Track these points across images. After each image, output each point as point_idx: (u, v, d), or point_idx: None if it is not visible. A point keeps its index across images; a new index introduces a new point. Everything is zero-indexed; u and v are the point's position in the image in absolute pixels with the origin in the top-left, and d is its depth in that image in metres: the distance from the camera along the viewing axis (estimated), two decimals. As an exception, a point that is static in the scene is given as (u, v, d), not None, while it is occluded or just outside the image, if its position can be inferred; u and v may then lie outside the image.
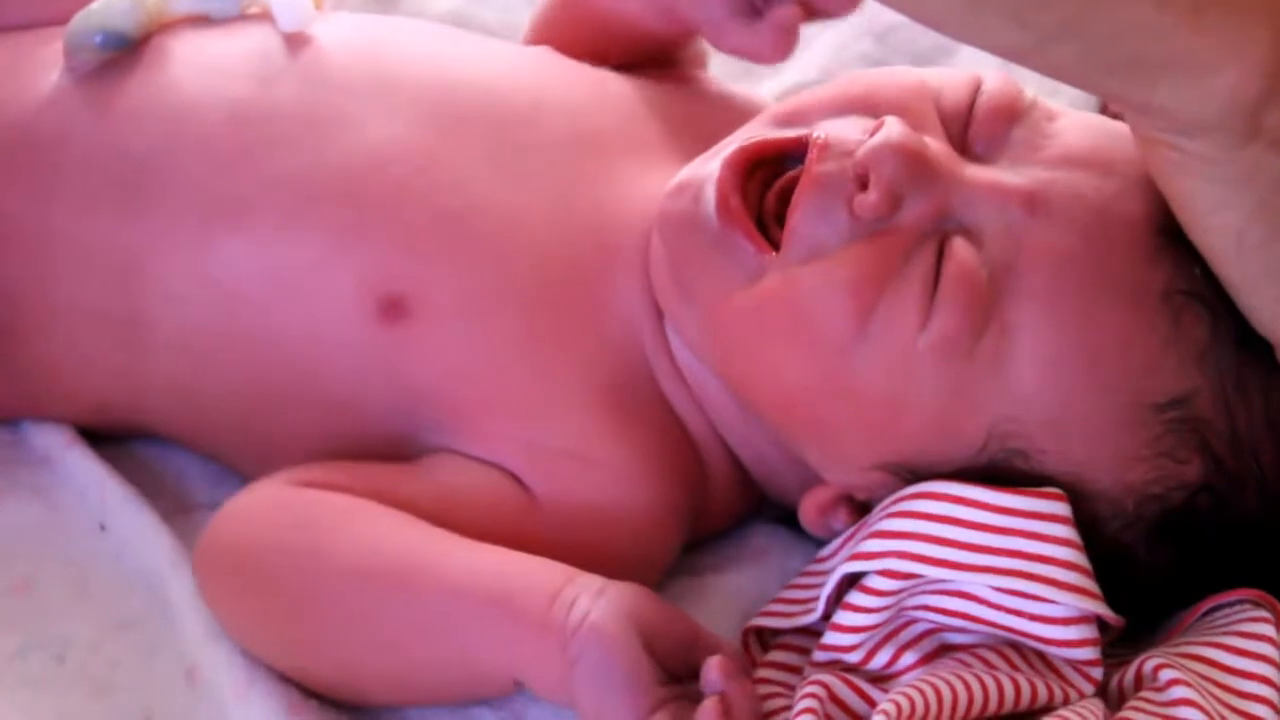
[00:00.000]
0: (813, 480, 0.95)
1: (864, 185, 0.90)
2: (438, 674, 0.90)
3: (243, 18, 1.03)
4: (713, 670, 0.85)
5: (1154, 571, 0.91)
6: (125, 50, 1.01)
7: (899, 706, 0.83)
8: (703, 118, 1.05)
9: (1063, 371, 0.89)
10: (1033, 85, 0.95)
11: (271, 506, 0.93)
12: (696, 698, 0.85)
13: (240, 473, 1.00)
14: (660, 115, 1.05)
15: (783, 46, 1.00)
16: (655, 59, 1.10)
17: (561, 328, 0.96)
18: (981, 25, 0.81)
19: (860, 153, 0.90)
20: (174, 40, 1.02)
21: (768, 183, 0.94)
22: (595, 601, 0.87)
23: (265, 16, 1.03)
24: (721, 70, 1.14)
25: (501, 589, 0.88)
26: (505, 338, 0.95)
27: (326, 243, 0.96)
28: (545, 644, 0.86)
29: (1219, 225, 0.86)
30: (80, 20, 1.00)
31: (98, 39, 1.00)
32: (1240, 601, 0.91)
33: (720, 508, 0.99)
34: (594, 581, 0.88)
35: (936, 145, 0.91)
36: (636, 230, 0.98)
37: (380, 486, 0.93)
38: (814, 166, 0.91)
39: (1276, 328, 0.88)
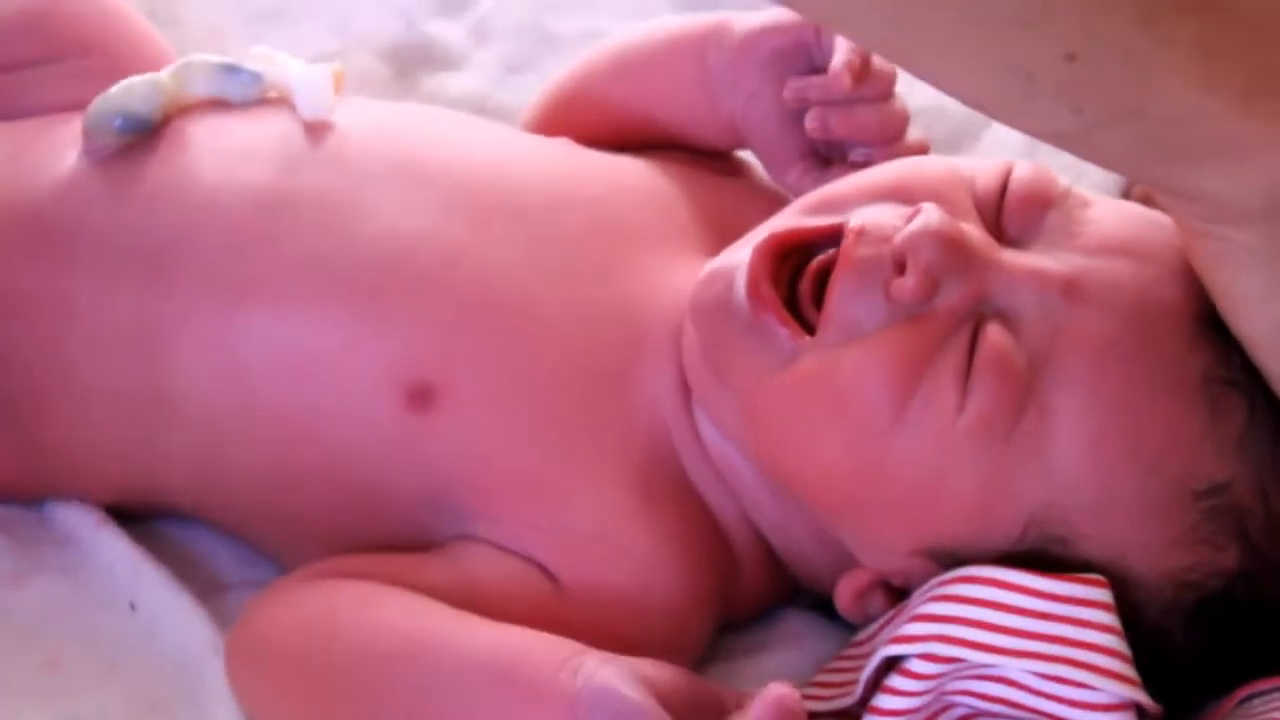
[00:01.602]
0: (847, 565, 0.95)
1: (901, 270, 0.90)
2: None
3: (261, 103, 1.04)
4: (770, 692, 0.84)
5: (1190, 658, 0.91)
6: (144, 134, 1.01)
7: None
8: (730, 207, 1.06)
9: (1104, 455, 0.89)
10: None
11: (294, 599, 0.93)
12: None
13: (266, 552, 1.00)
14: (685, 205, 1.06)
15: None
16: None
17: (587, 415, 0.96)
18: (1035, 110, 0.81)
19: (899, 238, 0.91)
20: (193, 124, 1.02)
21: (798, 271, 0.94)
22: (602, 666, 0.86)
23: (284, 101, 1.03)
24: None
25: (511, 660, 0.88)
26: (532, 425, 0.95)
27: (352, 328, 0.96)
28: (552, 710, 0.86)
29: (1261, 315, 0.87)
30: (100, 104, 1.01)
31: (117, 122, 1.00)
32: (1277, 689, 0.90)
33: (751, 594, 0.99)
34: (603, 654, 0.87)
35: (974, 231, 0.91)
36: (662, 320, 0.98)
37: (403, 574, 0.93)
38: (851, 250, 0.91)
39: None
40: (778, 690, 0.84)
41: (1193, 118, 0.81)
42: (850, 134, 1.03)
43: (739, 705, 0.86)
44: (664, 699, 0.85)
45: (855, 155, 1.03)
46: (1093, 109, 0.80)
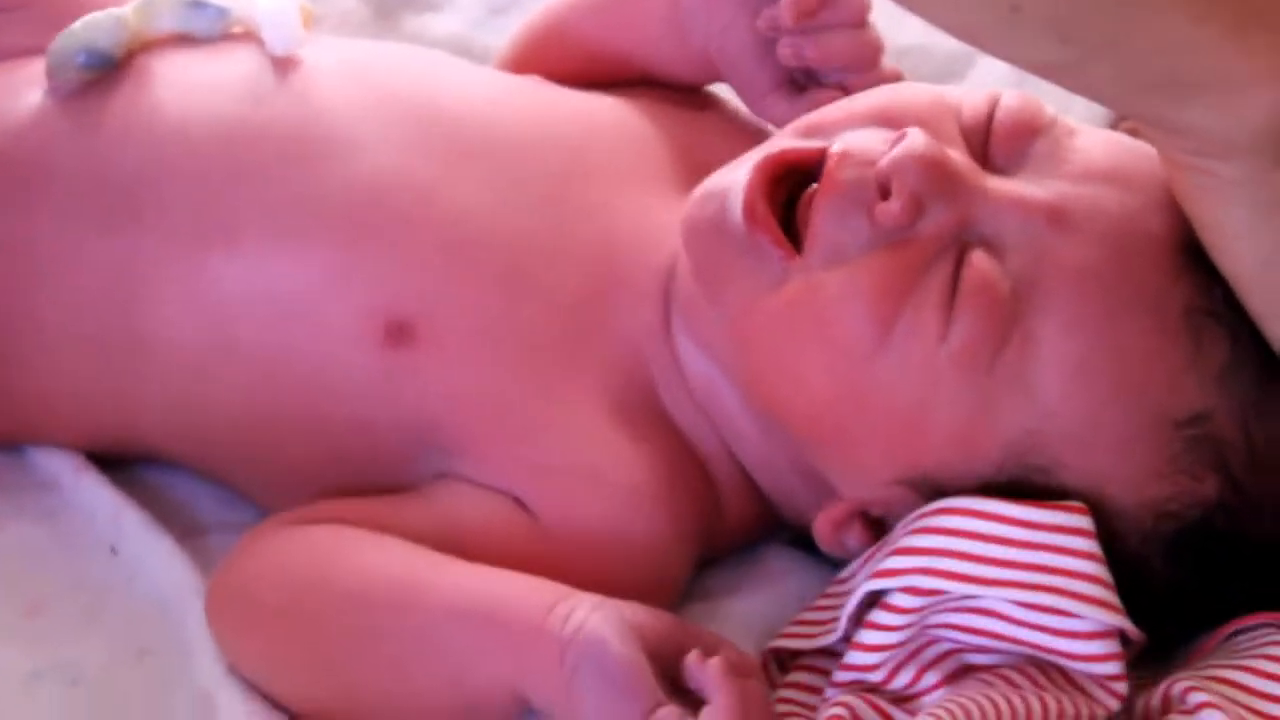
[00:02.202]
0: (828, 497, 0.95)
1: (886, 194, 0.90)
2: (440, 696, 0.89)
3: (227, 38, 1.02)
4: (709, 668, 0.84)
5: (1171, 589, 0.90)
6: (108, 70, 1.00)
7: (930, 727, 0.83)
8: (703, 141, 1.05)
9: (1086, 383, 0.88)
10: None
11: (273, 545, 0.93)
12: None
13: (246, 495, 1.00)
14: (660, 142, 1.05)
15: None
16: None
17: (566, 351, 0.96)
18: (1021, 40, 0.81)
19: (883, 162, 0.90)
20: (157, 60, 1.01)
21: (794, 195, 0.94)
22: (592, 613, 0.86)
23: (251, 37, 1.02)
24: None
25: (497, 604, 0.88)
26: (511, 362, 0.95)
27: (329, 265, 0.95)
28: (542, 655, 0.86)
29: (1246, 251, 0.86)
30: (62, 39, 0.99)
31: (80, 58, 0.99)
32: (1265, 625, 0.90)
33: (733, 529, 0.99)
34: (592, 597, 0.87)
35: (959, 157, 0.91)
36: (640, 257, 0.98)
37: (383, 518, 0.93)
38: (835, 173, 0.91)
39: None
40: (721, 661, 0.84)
41: (1182, 50, 0.80)
42: (823, 60, 1.03)
43: (716, 651, 0.86)
44: (650, 647, 0.85)
45: (829, 82, 1.03)
46: (1080, 40, 0.80)
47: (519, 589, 0.89)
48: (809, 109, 0.99)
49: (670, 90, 1.10)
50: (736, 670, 0.84)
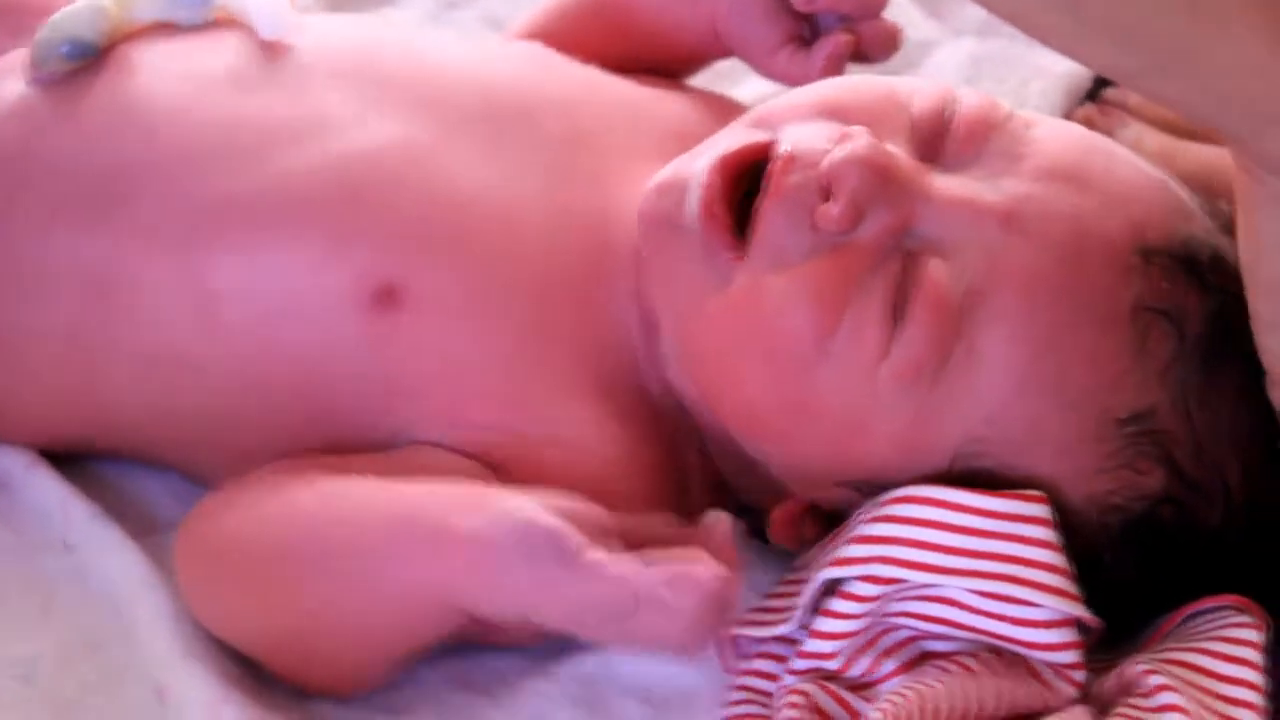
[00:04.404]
0: (780, 493, 0.95)
1: (828, 197, 0.89)
2: (379, 611, 0.88)
3: (211, 26, 1.02)
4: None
5: (1122, 579, 0.90)
6: (91, 59, 0.99)
7: (887, 714, 0.82)
8: (695, 121, 1.05)
9: (1030, 393, 0.88)
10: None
11: (234, 496, 0.92)
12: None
13: (208, 486, 0.98)
14: (656, 118, 1.05)
15: (833, 76, 1.01)
16: (656, 67, 1.10)
17: (555, 322, 0.95)
18: (1089, 47, 0.80)
19: (825, 164, 0.90)
20: (141, 49, 1.00)
21: (750, 191, 0.93)
22: (515, 497, 0.85)
23: (234, 24, 1.01)
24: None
25: (418, 509, 0.87)
26: (498, 330, 0.94)
27: (321, 244, 0.94)
28: (466, 546, 0.84)
29: (1272, 261, 0.85)
30: (46, 31, 0.99)
31: (64, 49, 0.98)
32: (1222, 608, 0.90)
33: (697, 512, 0.97)
34: (515, 492, 0.86)
35: (903, 158, 0.90)
36: (632, 235, 0.97)
37: (336, 467, 0.92)
38: (779, 176, 0.91)
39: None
40: (716, 516, 0.84)
41: (1255, 75, 0.78)
42: (834, 4, 1.03)
43: (680, 537, 0.85)
44: (582, 526, 0.83)
45: (835, 31, 1.04)
46: (1147, 52, 0.78)
47: (440, 491, 0.87)
48: (820, 61, 1.01)
49: (668, 79, 1.10)
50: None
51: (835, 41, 1.03)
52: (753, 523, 0.98)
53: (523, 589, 0.83)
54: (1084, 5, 0.77)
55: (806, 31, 1.06)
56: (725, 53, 1.10)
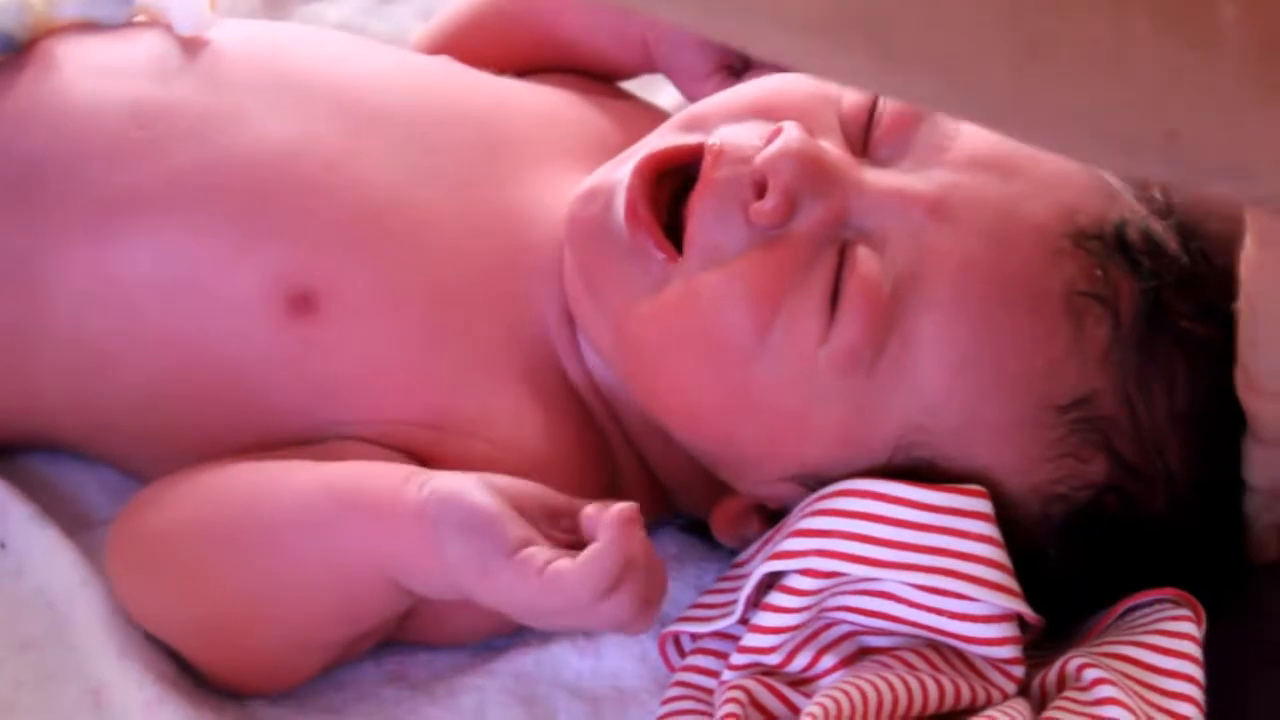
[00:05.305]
0: (722, 491, 0.95)
1: (761, 192, 0.89)
2: (316, 590, 0.88)
3: (131, 25, 1.02)
4: (602, 514, 0.83)
5: (1066, 572, 0.90)
6: (11, 54, 0.99)
7: (825, 709, 0.82)
8: (612, 127, 1.05)
9: (966, 380, 0.88)
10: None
11: (165, 492, 0.92)
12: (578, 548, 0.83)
13: (141, 480, 0.98)
14: (573, 122, 1.05)
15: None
16: (585, 72, 1.10)
17: (472, 321, 0.95)
18: (1134, 167, 0.78)
19: (757, 159, 0.90)
20: (62, 44, 1.00)
21: (678, 192, 0.93)
22: (449, 476, 0.86)
23: (154, 24, 1.01)
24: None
25: (352, 487, 0.87)
26: (414, 329, 0.94)
27: (232, 238, 0.94)
28: (401, 523, 0.85)
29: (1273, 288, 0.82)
30: None
31: (-12, 43, 0.98)
32: (1159, 601, 0.90)
33: None
34: (448, 472, 0.87)
35: (834, 151, 0.90)
36: (549, 236, 0.97)
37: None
38: (710, 173, 0.91)
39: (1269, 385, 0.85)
40: (617, 508, 0.84)
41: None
42: None
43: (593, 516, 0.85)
44: (516, 505, 0.84)
45: (765, 64, 1.02)
46: (1193, 170, 0.72)
47: (374, 470, 0.88)
48: None
49: (587, 78, 1.10)
50: (623, 516, 0.84)
51: (765, 73, 1.01)
52: (696, 521, 0.98)
53: (462, 568, 0.84)
54: (1138, 145, 0.68)
55: (737, 61, 1.06)
56: (655, 70, 1.10)
